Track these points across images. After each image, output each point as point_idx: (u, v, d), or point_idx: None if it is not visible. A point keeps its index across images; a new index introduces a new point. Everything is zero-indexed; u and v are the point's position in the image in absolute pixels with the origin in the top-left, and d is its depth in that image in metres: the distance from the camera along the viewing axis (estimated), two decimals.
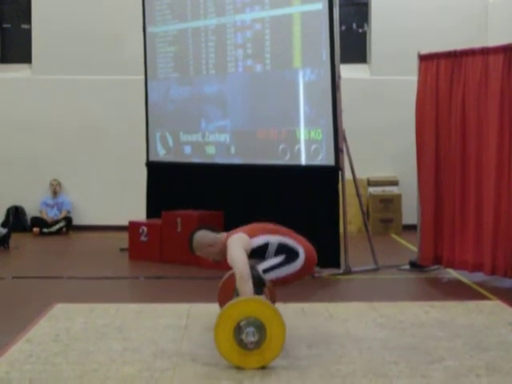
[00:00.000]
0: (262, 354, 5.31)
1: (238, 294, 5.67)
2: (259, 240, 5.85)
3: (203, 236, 6.00)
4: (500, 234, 8.39)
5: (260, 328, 5.28)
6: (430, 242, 9.11)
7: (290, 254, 5.83)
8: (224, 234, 6.02)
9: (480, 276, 8.69)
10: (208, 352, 5.62)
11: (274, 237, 5.89)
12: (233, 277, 6.15)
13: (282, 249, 5.84)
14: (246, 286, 5.47)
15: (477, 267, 8.65)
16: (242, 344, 5.28)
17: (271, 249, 5.83)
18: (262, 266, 5.76)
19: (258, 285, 5.59)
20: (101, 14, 13.56)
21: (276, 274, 5.79)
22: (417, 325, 6.54)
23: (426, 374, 5.17)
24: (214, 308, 6.66)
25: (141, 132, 11.81)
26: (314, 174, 9.41)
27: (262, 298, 5.54)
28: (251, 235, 5.86)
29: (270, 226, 6.04)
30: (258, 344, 5.28)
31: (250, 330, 5.26)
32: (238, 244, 5.74)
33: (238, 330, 5.28)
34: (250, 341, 5.25)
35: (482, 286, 8.39)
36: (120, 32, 13.39)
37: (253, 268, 5.65)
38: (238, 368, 5.28)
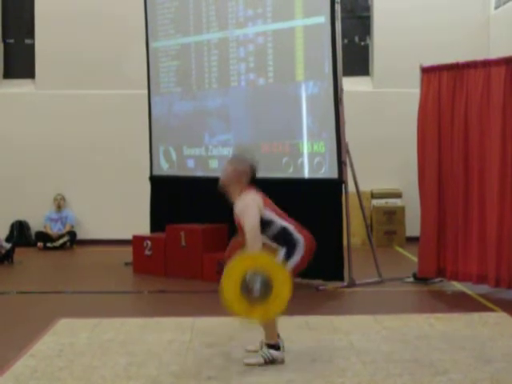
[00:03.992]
0: (267, 307, 5.35)
1: None
2: (266, 214, 5.88)
3: (242, 170, 6.10)
4: (504, 246, 8.38)
5: (266, 281, 5.32)
6: (433, 255, 9.08)
7: (289, 246, 5.83)
8: (247, 190, 6.04)
9: (484, 288, 8.67)
10: (212, 366, 5.63)
11: (278, 219, 5.93)
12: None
13: (282, 236, 5.85)
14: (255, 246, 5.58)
15: (481, 279, 8.63)
16: (248, 295, 5.32)
17: (274, 228, 5.85)
18: None
19: None
20: (104, 29, 13.60)
21: None
22: (421, 337, 6.54)
23: None
24: (218, 322, 6.67)
25: (144, 146, 11.83)
26: (318, 186, 9.40)
27: (269, 254, 5.58)
28: (264, 204, 5.93)
29: (277, 208, 6.07)
30: (264, 297, 5.31)
31: (257, 279, 5.31)
32: (255, 208, 5.82)
33: (245, 282, 5.33)
34: (256, 288, 5.30)
35: (486, 298, 8.38)
36: (123, 47, 13.42)
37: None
38: (244, 319, 5.40)
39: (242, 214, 5.81)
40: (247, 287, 5.32)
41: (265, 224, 5.82)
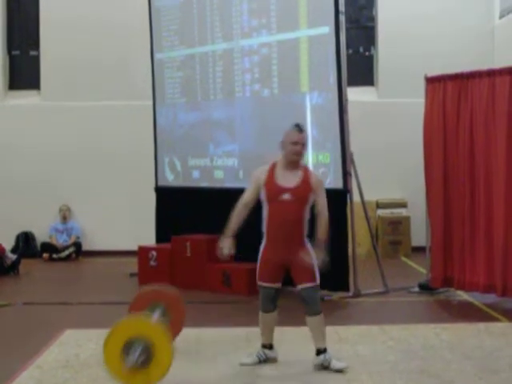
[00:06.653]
0: (149, 374, 5.27)
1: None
2: None
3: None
4: (510, 255, 8.37)
5: (147, 349, 5.23)
6: (440, 264, 9.08)
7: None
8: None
9: (490, 298, 8.65)
10: (218, 377, 5.62)
11: None
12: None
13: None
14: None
15: (488, 288, 8.61)
16: (128, 363, 5.25)
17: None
18: None
19: None
20: (109, 41, 13.63)
21: None
22: (426, 347, 6.52)
23: None
24: (224, 333, 6.66)
25: (149, 157, 11.85)
26: None
27: (152, 318, 5.56)
28: None
29: None
30: (145, 364, 5.23)
31: (138, 347, 5.22)
32: None
33: (126, 348, 5.24)
34: (135, 359, 5.20)
35: (492, 308, 8.36)
36: (128, 58, 13.46)
37: None
38: None
39: (320, 191, 6.14)
40: (128, 354, 5.23)
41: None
